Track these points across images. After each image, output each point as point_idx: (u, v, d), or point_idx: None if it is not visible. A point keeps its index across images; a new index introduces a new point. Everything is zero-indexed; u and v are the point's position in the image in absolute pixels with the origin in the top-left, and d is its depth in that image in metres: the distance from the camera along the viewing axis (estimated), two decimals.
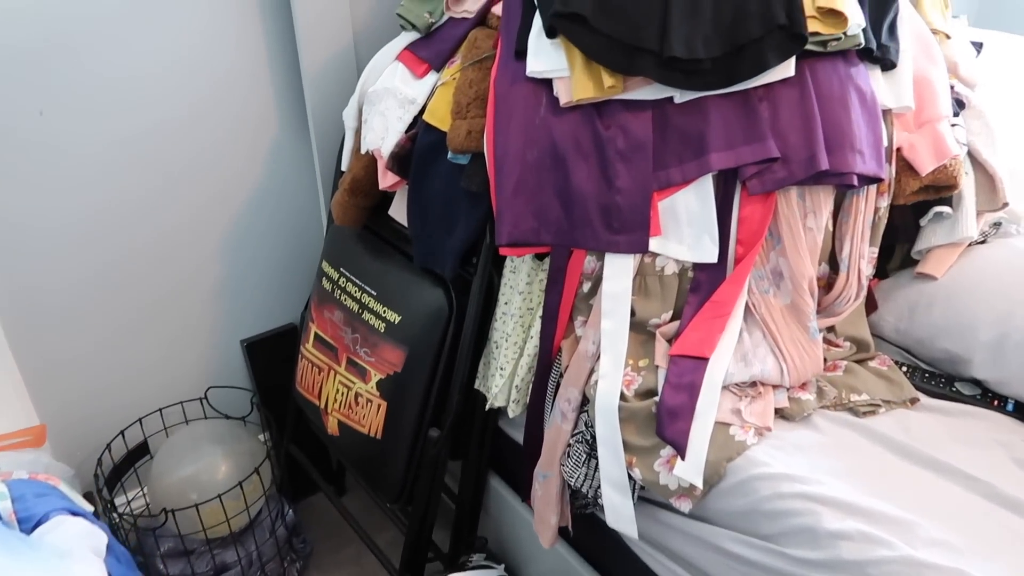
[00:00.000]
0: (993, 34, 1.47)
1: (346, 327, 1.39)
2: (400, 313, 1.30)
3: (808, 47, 0.98)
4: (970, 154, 1.12)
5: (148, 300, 1.53)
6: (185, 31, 1.36)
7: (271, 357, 1.73)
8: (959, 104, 1.15)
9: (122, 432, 1.56)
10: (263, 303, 1.69)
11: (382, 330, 1.31)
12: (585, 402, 1.09)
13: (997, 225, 1.15)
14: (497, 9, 1.21)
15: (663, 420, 0.99)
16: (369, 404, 1.34)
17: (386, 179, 1.27)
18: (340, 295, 1.41)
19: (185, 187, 1.48)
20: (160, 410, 1.63)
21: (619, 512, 1.05)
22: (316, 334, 1.47)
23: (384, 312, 1.32)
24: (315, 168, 1.58)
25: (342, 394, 1.40)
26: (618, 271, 1.05)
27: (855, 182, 1.00)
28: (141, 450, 1.62)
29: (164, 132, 1.42)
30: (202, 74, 1.41)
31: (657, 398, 1.01)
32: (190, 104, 1.42)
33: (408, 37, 1.31)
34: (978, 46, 1.30)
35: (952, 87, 1.14)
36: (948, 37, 1.17)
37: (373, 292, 1.34)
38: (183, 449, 1.54)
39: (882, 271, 1.18)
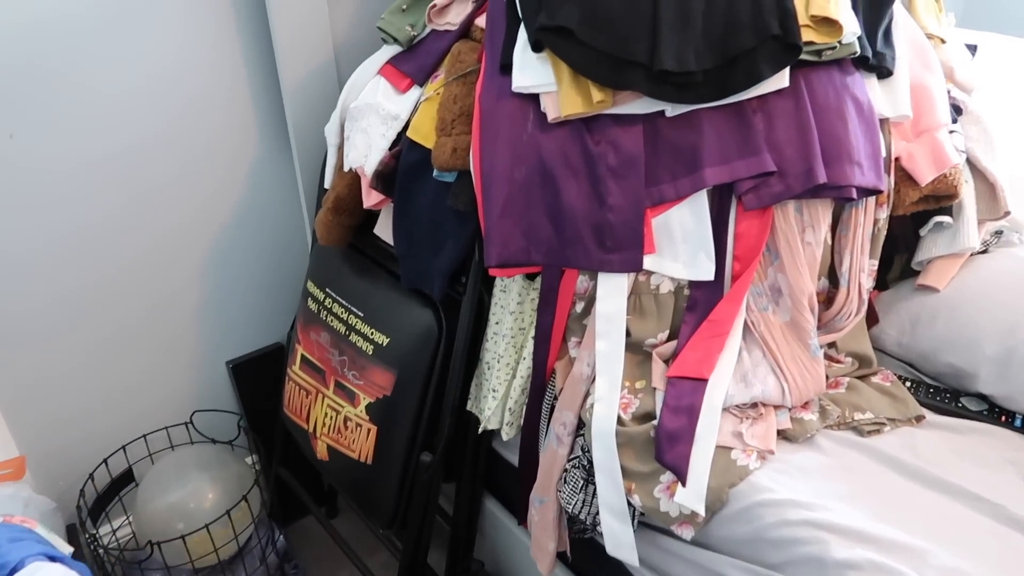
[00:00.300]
0: (985, 35, 1.44)
1: (333, 349, 1.35)
2: (388, 335, 1.26)
3: (802, 57, 0.95)
4: (969, 161, 1.09)
5: (129, 322, 1.49)
6: (160, 48, 1.32)
7: (258, 378, 1.69)
8: (956, 110, 1.12)
9: (105, 460, 1.52)
10: (248, 323, 1.65)
11: (370, 352, 1.28)
12: (581, 426, 1.06)
13: (999, 234, 1.12)
14: (481, 21, 1.17)
15: (662, 445, 0.96)
16: (359, 428, 1.30)
17: (370, 198, 1.23)
18: (326, 316, 1.37)
19: (163, 206, 1.44)
20: (144, 436, 1.58)
21: (619, 539, 1.02)
22: (303, 356, 1.43)
23: (372, 334, 1.28)
24: (298, 185, 1.54)
25: (331, 418, 1.36)
26: (612, 291, 1.02)
27: (854, 195, 0.97)
28: (126, 478, 1.58)
29: (140, 151, 1.37)
30: (178, 91, 1.37)
31: (655, 422, 0.98)
32: (166, 121, 1.38)
33: (390, 51, 1.27)
34: (972, 48, 1.27)
35: (948, 92, 1.11)
36: (943, 41, 1.15)
37: (360, 313, 1.31)
38: (169, 476, 1.50)
39: (882, 282, 1.16)
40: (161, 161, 1.40)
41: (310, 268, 1.45)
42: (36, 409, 1.46)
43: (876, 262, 1.06)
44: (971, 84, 1.14)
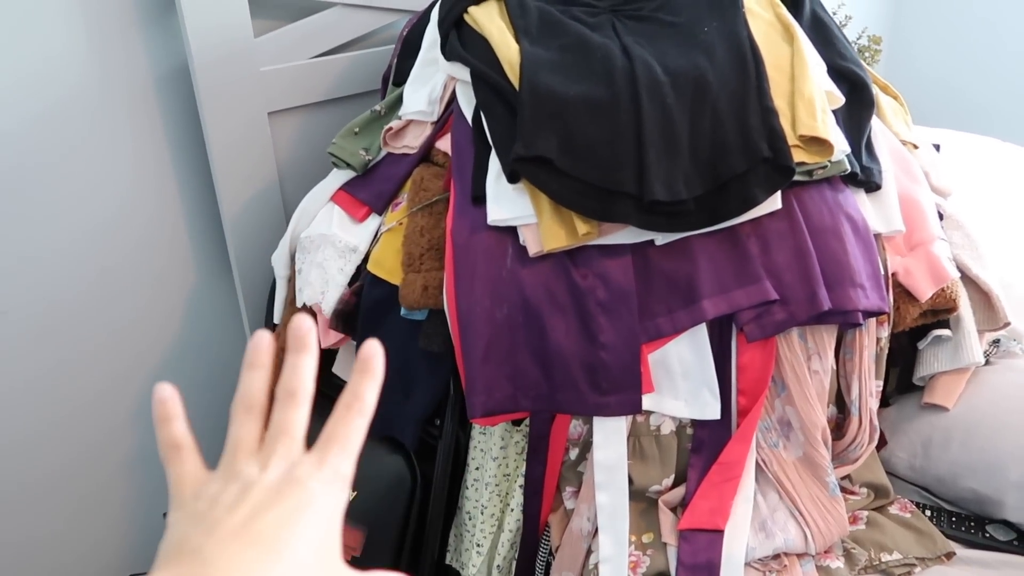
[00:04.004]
0: (939, 132, 1.45)
1: None
2: (354, 488, 1.13)
3: (794, 177, 0.90)
4: (958, 269, 1.06)
5: (49, 475, 1.31)
6: (74, 155, 1.18)
7: None
8: (938, 216, 1.09)
9: None
10: None
11: None
12: None
13: (996, 343, 1.08)
14: (441, 144, 1.10)
15: None
16: None
17: (328, 338, 1.12)
18: None
19: (84, 333, 1.27)
20: None
21: None
22: None
23: None
24: (243, 320, 1.41)
25: None
26: (610, 436, 0.93)
27: (861, 320, 0.91)
28: None
29: (51, 263, 1.22)
30: (91, 204, 1.21)
31: None
32: (81, 233, 1.22)
33: (342, 175, 1.18)
34: (936, 148, 1.26)
35: None
36: (916, 147, 1.13)
37: None
38: None
39: (881, 398, 1.10)
40: (76, 278, 1.24)
41: None
42: None
43: (881, 383, 1.00)
44: (948, 188, 1.12)
